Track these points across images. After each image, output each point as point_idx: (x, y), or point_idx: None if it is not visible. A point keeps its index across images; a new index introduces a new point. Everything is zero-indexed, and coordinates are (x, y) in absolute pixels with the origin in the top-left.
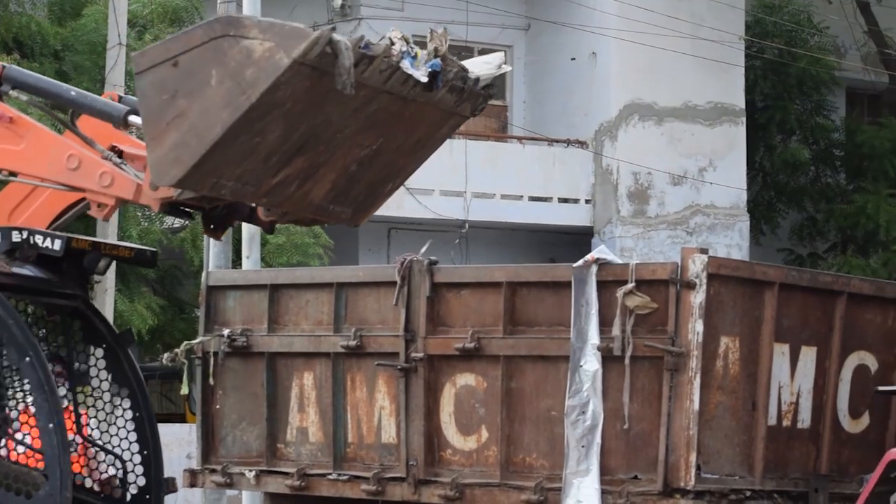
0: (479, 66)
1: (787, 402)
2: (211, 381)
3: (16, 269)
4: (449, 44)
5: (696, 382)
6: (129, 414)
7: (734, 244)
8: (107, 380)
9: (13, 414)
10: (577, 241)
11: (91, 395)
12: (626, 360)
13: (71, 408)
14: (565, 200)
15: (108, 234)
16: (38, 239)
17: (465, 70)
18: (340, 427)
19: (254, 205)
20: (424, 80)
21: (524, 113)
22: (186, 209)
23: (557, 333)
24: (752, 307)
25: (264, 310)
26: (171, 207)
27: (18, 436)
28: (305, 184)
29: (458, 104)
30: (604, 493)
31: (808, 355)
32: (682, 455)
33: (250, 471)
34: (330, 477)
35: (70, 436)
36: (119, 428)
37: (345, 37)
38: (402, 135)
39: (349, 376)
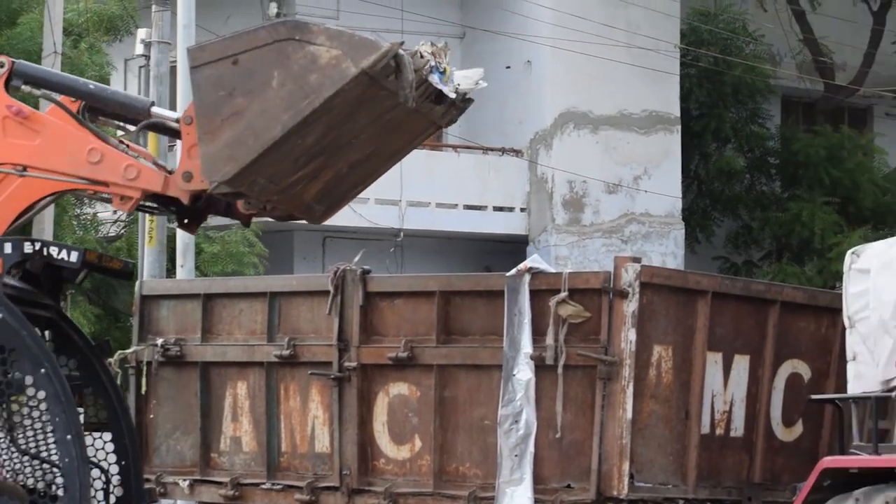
0: (461, 80)
1: (721, 411)
2: (144, 390)
3: None
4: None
5: (629, 391)
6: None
7: (669, 252)
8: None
9: (27, 425)
10: (512, 249)
11: None
12: (559, 369)
13: None
14: (500, 209)
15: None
16: (53, 251)
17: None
18: (274, 436)
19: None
20: (453, 95)
21: (459, 121)
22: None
23: (490, 342)
24: (685, 316)
25: (198, 319)
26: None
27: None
28: (309, 183)
29: (443, 116)
30: (537, 501)
31: (742, 364)
32: (615, 464)
33: (184, 480)
34: (263, 486)
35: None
36: (95, 438)
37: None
38: (393, 141)
39: (282, 386)
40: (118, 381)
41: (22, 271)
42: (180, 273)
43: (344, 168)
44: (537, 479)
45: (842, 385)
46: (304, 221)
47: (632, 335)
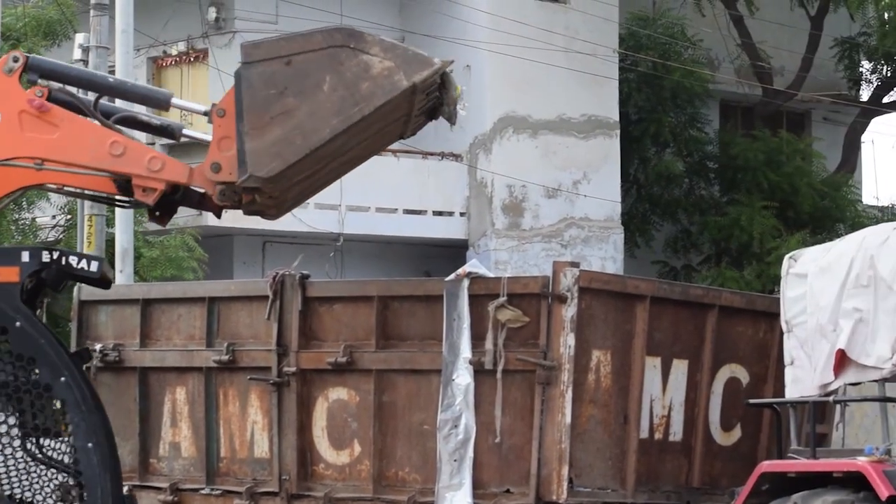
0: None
1: (659, 416)
2: None
3: None
4: None
5: (568, 396)
6: None
7: (609, 256)
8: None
9: (47, 432)
10: (452, 253)
11: None
12: (499, 374)
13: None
14: (440, 213)
15: None
16: (73, 260)
17: None
18: (213, 442)
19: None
20: (463, 113)
21: None
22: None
23: (429, 347)
24: (623, 320)
25: (136, 324)
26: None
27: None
28: (302, 182)
29: (413, 128)
30: None
31: (680, 368)
32: (554, 468)
33: (123, 486)
34: (203, 492)
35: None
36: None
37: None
38: (370, 146)
39: (222, 391)
40: None
41: (36, 279)
42: (119, 278)
43: (329, 169)
44: (477, 484)
45: (780, 389)
46: (244, 225)
47: (570, 340)
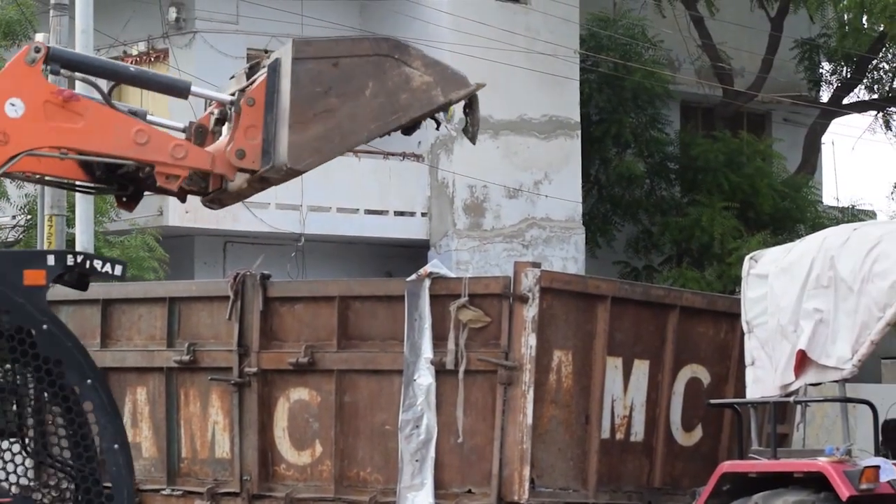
0: None
1: (621, 416)
2: None
3: None
4: None
5: (530, 396)
6: None
7: (570, 257)
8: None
9: (73, 435)
10: (413, 254)
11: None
12: (460, 374)
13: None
14: (401, 213)
15: None
16: (97, 263)
17: None
18: (174, 442)
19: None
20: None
21: None
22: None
23: (391, 347)
24: (584, 321)
25: (97, 325)
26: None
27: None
28: None
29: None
30: None
31: (641, 369)
32: (515, 469)
33: None
34: (164, 492)
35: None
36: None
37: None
38: None
39: (182, 391)
40: None
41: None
42: None
43: None
44: (438, 484)
45: (741, 390)
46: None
47: (532, 340)
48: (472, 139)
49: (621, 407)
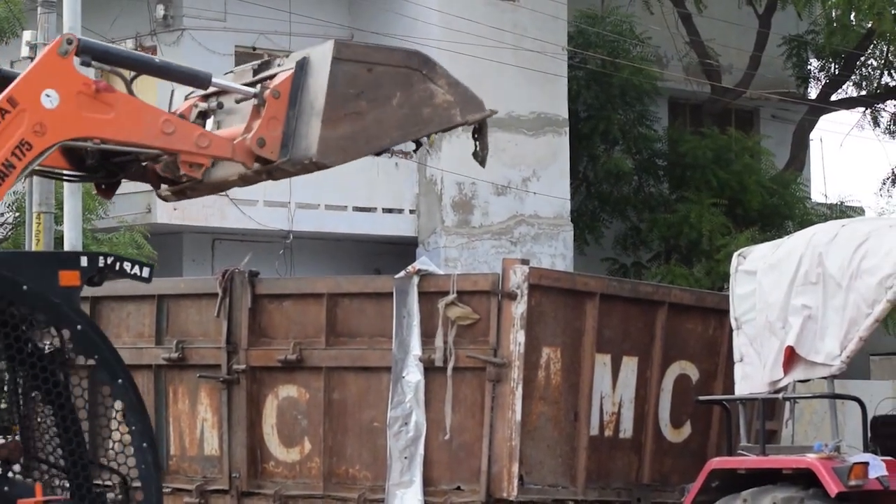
0: None
1: (609, 413)
2: None
3: None
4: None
5: (518, 393)
6: None
7: (558, 254)
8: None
9: (105, 434)
10: (402, 251)
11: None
12: (449, 371)
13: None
14: (390, 211)
15: None
16: (127, 266)
17: None
18: (162, 439)
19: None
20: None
21: None
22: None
23: (379, 345)
24: (573, 318)
25: None
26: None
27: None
28: None
29: None
30: None
31: (630, 365)
32: (504, 466)
33: None
34: None
35: None
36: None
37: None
38: None
39: (171, 388)
40: None
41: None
42: None
43: None
44: (427, 481)
45: (729, 386)
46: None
47: (520, 337)
48: (482, 163)
49: (610, 404)
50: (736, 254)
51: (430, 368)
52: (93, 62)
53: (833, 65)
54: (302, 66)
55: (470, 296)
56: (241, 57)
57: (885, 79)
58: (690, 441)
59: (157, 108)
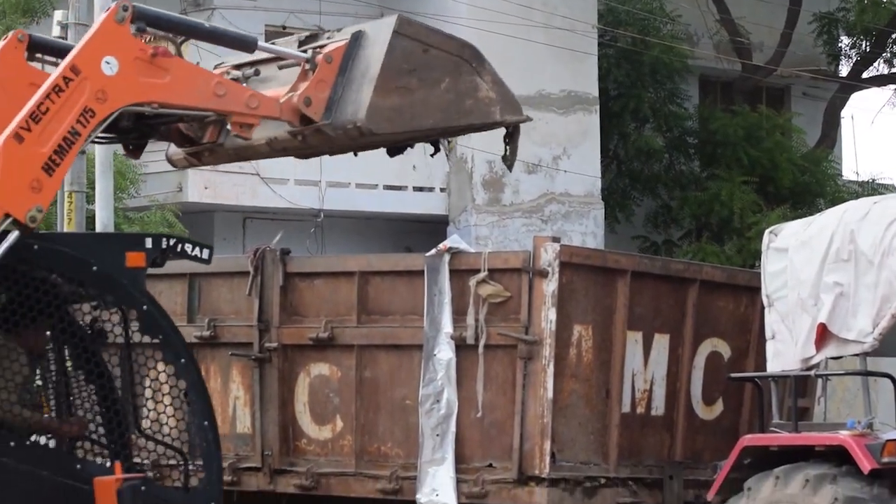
0: None
1: (641, 390)
2: None
3: None
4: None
5: (550, 370)
6: None
7: (589, 232)
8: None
9: (170, 413)
10: (432, 229)
11: None
12: (480, 349)
13: None
14: (420, 189)
15: None
16: (188, 247)
17: None
18: None
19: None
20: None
21: None
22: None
23: (411, 322)
24: (604, 295)
25: None
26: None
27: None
28: None
29: None
30: (459, 481)
31: (662, 343)
32: (536, 443)
33: None
34: None
35: None
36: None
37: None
38: None
39: (203, 367)
40: None
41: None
42: None
43: None
44: (459, 459)
45: (761, 363)
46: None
47: (552, 315)
48: (510, 167)
49: (642, 381)
50: (767, 231)
51: (461, 346)
52: (147, 28)
53: (864, 42)
54: (357, 38)
55: (501, 273)
56: (271, 36)
57: None
58: (722, 418)
59: (209, 70)
